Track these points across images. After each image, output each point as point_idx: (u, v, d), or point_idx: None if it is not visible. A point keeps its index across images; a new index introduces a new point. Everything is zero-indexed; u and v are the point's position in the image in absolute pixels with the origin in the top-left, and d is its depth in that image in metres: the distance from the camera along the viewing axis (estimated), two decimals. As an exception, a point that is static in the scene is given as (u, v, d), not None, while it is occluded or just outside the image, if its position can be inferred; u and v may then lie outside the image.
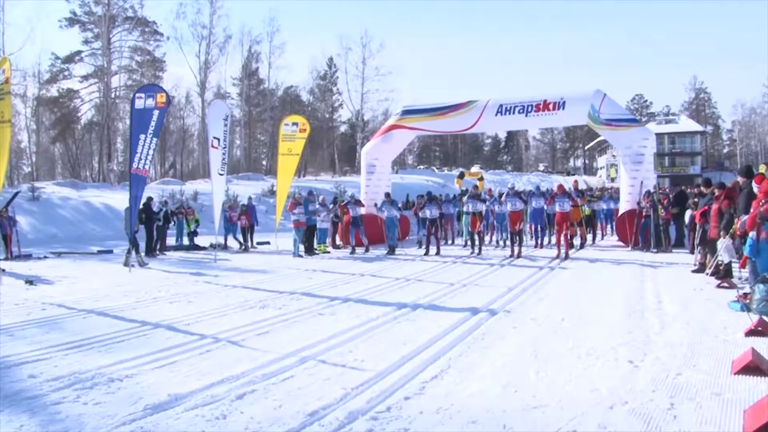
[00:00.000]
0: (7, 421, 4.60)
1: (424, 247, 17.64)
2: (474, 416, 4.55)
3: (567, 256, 15.30)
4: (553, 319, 8.03)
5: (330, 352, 6.50)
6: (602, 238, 21.51)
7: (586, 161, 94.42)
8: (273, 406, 4.84)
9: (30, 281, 12.11)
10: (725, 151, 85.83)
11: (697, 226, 12.54)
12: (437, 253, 16.84)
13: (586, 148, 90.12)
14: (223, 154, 16.99)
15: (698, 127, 69.11)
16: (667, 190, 18.71)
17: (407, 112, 22.11)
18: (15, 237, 17.32)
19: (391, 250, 17.56)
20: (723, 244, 10.50)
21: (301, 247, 17.34)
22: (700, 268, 12.12)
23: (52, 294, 10.65)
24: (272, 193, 32.14)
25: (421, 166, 68.73)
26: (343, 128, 59.18)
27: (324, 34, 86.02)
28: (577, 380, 5.34)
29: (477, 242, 17.20)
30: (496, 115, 20.52)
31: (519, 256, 15.73)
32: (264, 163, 53.41)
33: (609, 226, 22.44)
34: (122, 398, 5.09)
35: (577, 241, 18.50)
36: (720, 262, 10.79)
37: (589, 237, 20.02)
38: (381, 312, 8.61)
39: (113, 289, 11.12)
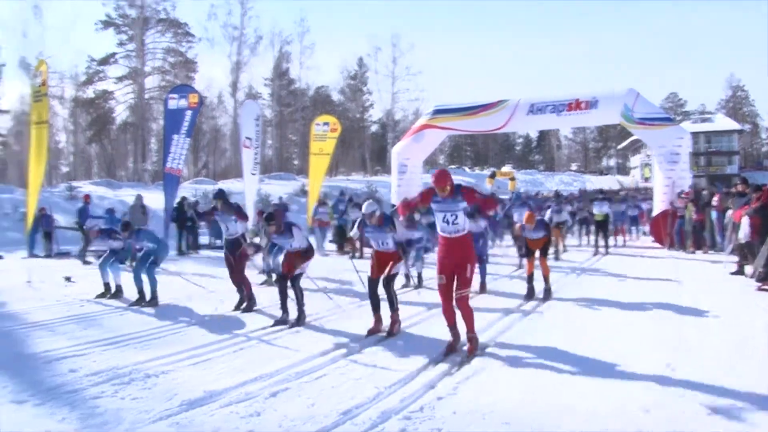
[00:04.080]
0: (49, 414, 4.73)
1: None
2: (507, 417, 4.54)
3: (549, 292, 9.98)
4: (586, 320, 7.98)
5: (362, 352, 6.54)
6: (624, 244, 19.44)
7: (620, 161, 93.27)
8: (306, 405, 4.88)
9: (68, 278, 12.33)
10: (765, 149, 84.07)
11: (736, 225, 12.30)
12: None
13: (620, 147, 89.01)
14: (255, 153, 17.13)
15: (735, 126, 67.72)
16: (693, 192, 17.65)
17: (438, 112, 22.08)
18: (54, 235, 17.72)
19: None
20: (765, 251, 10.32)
21: (331, 246, 17.37)
22: (739, 270, 11.91)
23: (90, 291, 10.81)
24: (304, 192, 32.32)
25: (453, 166, 68.42)
26: (374, 128, 59.29)
27: (354, 34, 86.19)
28: (612, 383, 5.30)
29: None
30: (528, 114, 20.41)
31: (483, 290, 10.65)
32: (295, 162, 53.67)
33: (634, 229, 21.77)
34: (158, 394, 5.18)
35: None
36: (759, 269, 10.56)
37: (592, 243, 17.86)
38: (413, 312, 8.59)
39: (147, 287, 11.26)
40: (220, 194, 9.96)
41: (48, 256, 16.98)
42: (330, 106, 51.52)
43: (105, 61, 44.61)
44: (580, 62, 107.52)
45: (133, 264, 10.80)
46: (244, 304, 9.24)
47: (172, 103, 15.67)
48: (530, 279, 10.02)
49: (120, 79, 45.38)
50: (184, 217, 17.99)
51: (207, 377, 5.60)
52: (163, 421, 4.56)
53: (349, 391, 5.17)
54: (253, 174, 16.98)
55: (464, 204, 6.51)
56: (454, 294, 6.53)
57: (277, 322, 8.01)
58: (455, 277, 6.58)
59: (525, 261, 10.67)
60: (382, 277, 7.62)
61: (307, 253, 8.39)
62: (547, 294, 9.93)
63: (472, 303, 6.65)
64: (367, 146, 55.55)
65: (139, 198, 16.20)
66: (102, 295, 10.42)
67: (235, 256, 9.50)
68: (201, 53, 48.88)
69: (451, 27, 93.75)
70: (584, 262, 15.07)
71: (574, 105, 19.65)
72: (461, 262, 6.55)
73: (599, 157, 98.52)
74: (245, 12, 47.01)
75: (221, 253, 9.79)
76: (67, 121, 45.89)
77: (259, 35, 48.57)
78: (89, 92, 45.25)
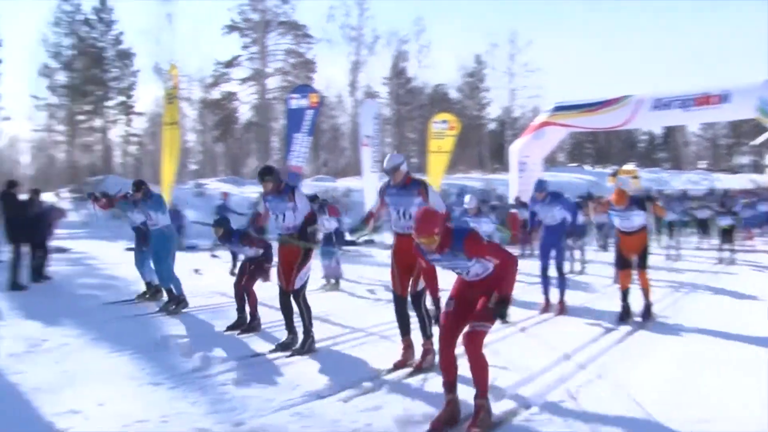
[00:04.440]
0: (182, 396, 5.00)
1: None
2: (633, 425, 4.38)
3: (649, 310, 8.01)
4: (713, 330, 7.39)
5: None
6: (753, 249, 17.35)
7: (754, 158, 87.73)
8: (425, 401, 4.86)
9: (197, 270, 12.93)
10: None
11: None
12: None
13: (754, 143, 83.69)
14: (375, 152, 17.37)
15: None
16: None
17: (558, 109, 21.64)
18: (184, 229, 18.66)
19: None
20: None
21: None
22: None
23: (216, 283, 11.24)
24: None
25: (573, 164, 66.63)
26: (491, 125, 58.56)
27: (470, 31, 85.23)
28: (751, 397, 4.91)
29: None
30: (652, 110, 19.65)
31: (561, 310, 8.56)
32: (414, 160, 53.98)
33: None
34: (281, 384, 5.34)
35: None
36: None
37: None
38: (529, 313, 8.40)
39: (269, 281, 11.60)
40: (221, 222, 8.26)
41: (178, 249, 17.83)
42: (447, 104, 51.38)
43: (230, 63, 46.36)
44: (708, 56, 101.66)
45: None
46: (244, 325, 7.55)
47: (294, 103, 16.18)
48: (625, 296, 7.99)
49: (244, 80, 47.03)
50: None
51: (329, 370, 5.70)
52: (285, 410, 4.69)
53: (470, 389, 5.13)
54: (372, 172, 17.23)
55: (471, 261, 4.40)
56: (466, 328, 4.37)
57: (280, 347, 6.47)
58: (474, 307, 4.45)
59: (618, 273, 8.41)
60: (409, 293, 5.90)
61: (306, 251, 6.47)
62: (647, 312, 7.94)
63: (548, 326, 5.88)
64: (485, 144, 55.05)
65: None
66: (143, 296, 9.77)
67: (253, 266, 7.92)
68: (320, 54, 49.81)
69: (570, 22, 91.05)
70: (703, 273, 12.93)
71: (704, 99, 18.71)
72: (487, 290, 4.44)
73: (731, 154, 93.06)
74: (362, 12, 47.71)
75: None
76: (195, 121, 48.15)
77: (377, 35, 49.11)
78: (215, 94, 47.22)
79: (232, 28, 45.74)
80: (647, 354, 6.37)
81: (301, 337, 6.48)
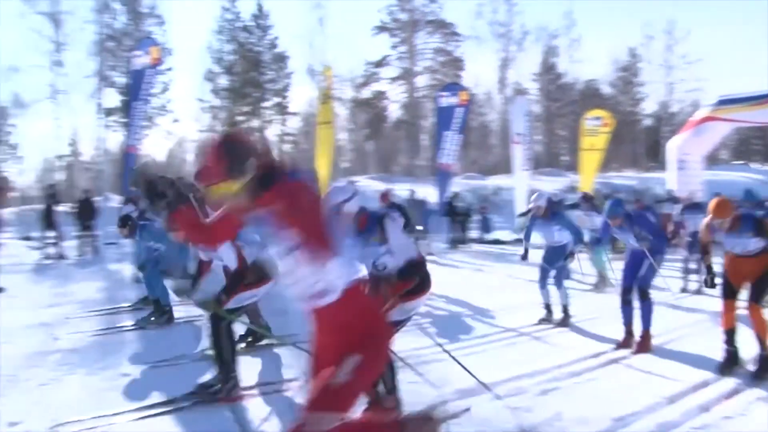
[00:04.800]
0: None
1: None
2: None
3: (766, 364, 5.46)
4: None
5: (636, 357, 6.23)
6: None
7: None
8: (577, 406, 4.78)
9: None
10: None
11: None
12: None
13: None
14: (526, 149, 17.16)
15: None
16: None
17: (722, 102, 20.32)
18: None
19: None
20: None
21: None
22: None
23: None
24: (573, 189, 31.71)
25: (738, 162, 62.31)
26: (647, 121, 55.98)
27: (624, 24, 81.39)
28: None
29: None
30: (835, 100, 18.02)
31: (643, 347, 6.43)
32: (565, 158, 52.66)
33: None
34: (431, 380, 5.34)
35: None
36: None
37: None
38: (691, 319, 7.89)
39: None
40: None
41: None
42: (599, 100, 49.70)
43: (379, 63, 47.26)
44: None
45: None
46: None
47: (444, 101, 16.28)
48: (730, 337, 5.73)
49: (393, 79, 47.79)
50: (455, 211, 18.45)
51: (479, 368, 5.60)
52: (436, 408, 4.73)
53: (623, 397, 4.96)
54: (524, 170, 17.05)
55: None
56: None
57: (199, 389, 5.06)
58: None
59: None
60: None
61: (259, 277, 5.24)
62: (764, 364, 5.51)
63: (616, 371, 5.27)
64: (639, 141, 52.76)
65: (411, 192, 17.04)
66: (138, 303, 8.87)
67: None
68: (468, 51, 49.60)
69: (734, 7, 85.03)
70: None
71: None
72: (340, 340, 2.72)
73: None
74: (510, 8, 47.08)
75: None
76: (346, 120, 49.49)
77: (525, 30, 48.31)
78: (365, 93, 48.30)
79: (381, 28, 46.72)
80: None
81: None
